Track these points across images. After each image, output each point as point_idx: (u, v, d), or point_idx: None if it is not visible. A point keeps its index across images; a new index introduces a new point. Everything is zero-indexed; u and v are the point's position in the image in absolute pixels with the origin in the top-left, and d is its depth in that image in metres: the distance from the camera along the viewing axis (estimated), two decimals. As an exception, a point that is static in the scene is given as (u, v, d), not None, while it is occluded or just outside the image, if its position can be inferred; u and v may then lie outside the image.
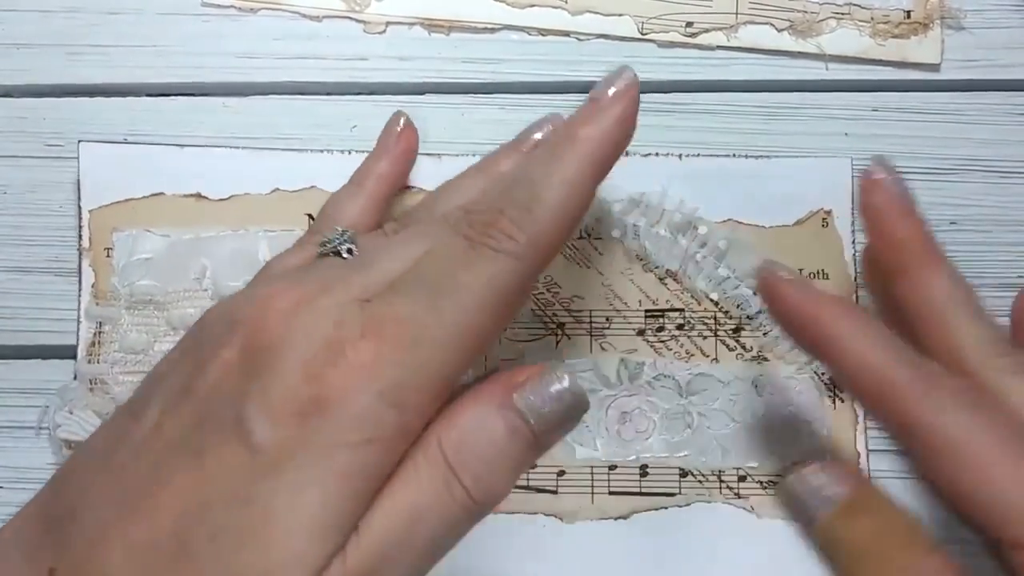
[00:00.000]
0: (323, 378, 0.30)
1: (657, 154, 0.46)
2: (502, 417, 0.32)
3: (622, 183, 0.45)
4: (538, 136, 0.42)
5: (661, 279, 0.45)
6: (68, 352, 0.45)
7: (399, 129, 0.44)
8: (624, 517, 0.43)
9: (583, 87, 0.47)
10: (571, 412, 0.33)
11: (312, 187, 0.45)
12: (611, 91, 0.36)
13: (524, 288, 0.33)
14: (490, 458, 0.31)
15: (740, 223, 0.46)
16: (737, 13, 0.47)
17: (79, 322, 0.45)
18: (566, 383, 0.33)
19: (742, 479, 0.44)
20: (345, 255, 0.36)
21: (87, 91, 0.47)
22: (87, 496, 0.31)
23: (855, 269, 0.46)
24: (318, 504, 0.29)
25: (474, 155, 0.45)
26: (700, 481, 0.44)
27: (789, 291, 0.35)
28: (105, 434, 0.33)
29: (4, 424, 0.45)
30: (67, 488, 0.32)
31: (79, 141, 0.45)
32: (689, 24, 0.47)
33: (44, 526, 0.32)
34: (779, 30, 0.47)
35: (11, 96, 0.46)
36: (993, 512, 0.31)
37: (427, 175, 0.45)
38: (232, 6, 0.47)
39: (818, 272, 0.45)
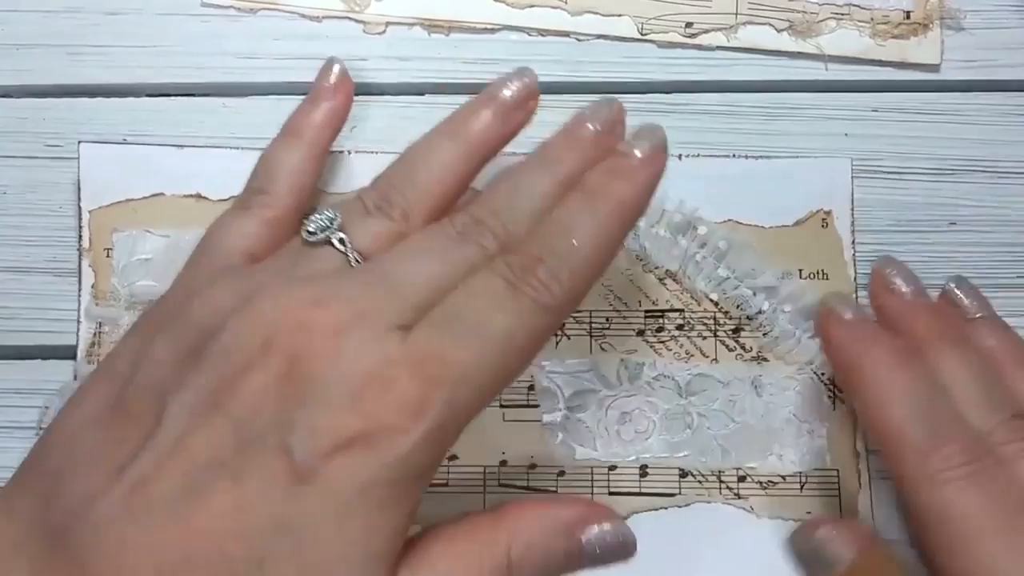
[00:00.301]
0: (372, 414, 0.30)
1: None
2: (566, 543, 0.34)
3: None
4: (507, 94, 0.39)
5: (661, 279, 0.45)
6: (68, 352, 0.45)
7: (334, 76, 0.43)
8: (624, 517, 0.43)
9: (583, 87, 0.47)
10: (618, 557, 0.35)
11: None
12: (642, 152, 0.36)
13: (550, 336, 0.35)
14: (542, 571, 0.34)
15: (740, 223, 0.46)
16: (737, 13, 0.47)
17: (79, 322, 0.45)
18: (628, 538, 0.35)
19: (742, 479, 0.44)
20: (338, 245, 0.35)
21: (87, 91, 0.47)
22: (97, 507, 0.30)
23: (855, 269, 0.46)
24: (362, 536, 0.30)
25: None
26: (700, 481, 0.44)
27: (839, 332, 0.40)
28: (98, 437, 0.33)
29: (4, 424, 0.45)
30: (65, 496, 0.32)
31: (79, 142, 0.45)
32: (689, 24, 0.47)
33: (47, 538, 0.31)
34: (779, 30, 0.47)
35: (11, 96, 0.47)
36: None
37: None
38: (232, 6, 0.47)
39: (818, 272, 0.45)
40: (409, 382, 0.31)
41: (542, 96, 0.47)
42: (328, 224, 0.35)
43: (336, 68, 0.43)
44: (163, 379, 0.32)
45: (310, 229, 0.35)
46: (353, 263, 0.35)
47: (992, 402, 0.38)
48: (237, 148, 0.46)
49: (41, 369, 0.45)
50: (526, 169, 0.37)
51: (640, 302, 0.45)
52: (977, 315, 0.42)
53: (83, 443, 0.33)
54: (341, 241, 0.35)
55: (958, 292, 0.43)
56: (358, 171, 0.45)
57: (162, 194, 0.45)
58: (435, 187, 0.37)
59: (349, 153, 0.45)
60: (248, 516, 0.30)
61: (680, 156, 0.46)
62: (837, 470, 0.44)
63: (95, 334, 0.44)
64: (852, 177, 0.46)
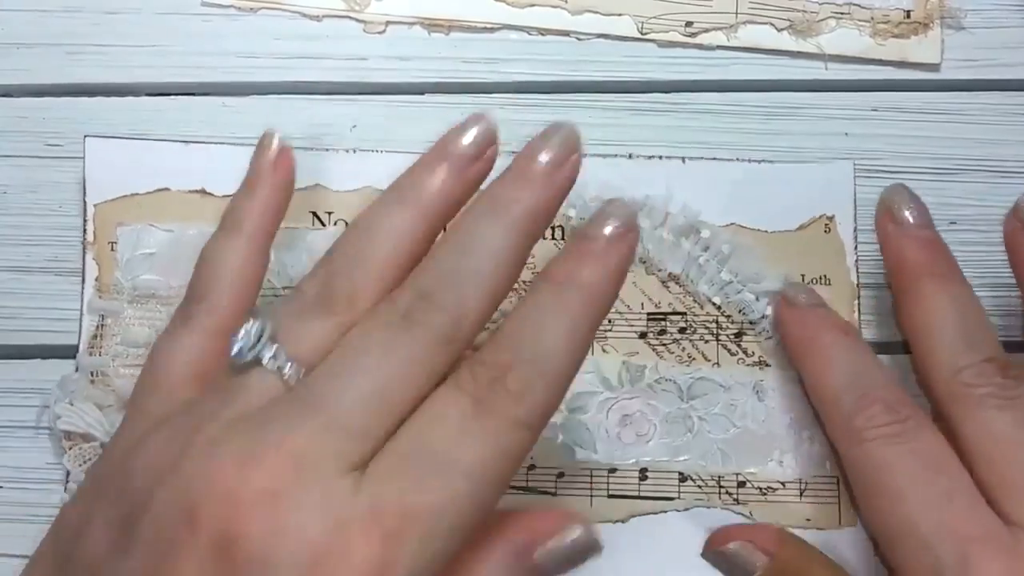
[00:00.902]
0: None
1: (661, 157, 0.46)
2: (525, 570, 0.31)
3: (626, 185, 0.45)
4: (463, 143, 0.34)
5: (664, 282, 0.45)
6: (68, 352, 0.45)
7: (273, 154, 0.38)
8: (623, 520, 0.43)
9: (583, 87, 0.47)
10: (581, 558, 0.32)
11: (316, 184, 0.45)
12: (608, 230, 0.32)
13: (528, 454, 0.31)
14: None
15: (743, 227, 0.46)
16: (737, 13, 0.47)
17: (82, 315, 0.45)
18: (586, 541, 0.31)
19: (741, 484, 0.44)
20: (269, 364, 0.30)
21: (87, 91, 0.46)
22: None
23: (857, 275, 0.46)
24: None
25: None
26: (699, 486, 0.44)
27: (791, 312, 0.42)
28: None
29: (4, 424, 0.45)
30: None
31: (84, 136, 0.45)
32: (689, 24, 0.47)
33: None
34: (779, 30, 0.47)
35: (11, 96, 0.46)
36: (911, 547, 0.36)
37: None
38: (232, 6, 0.47)
39: (820, 278, 0.45)
40: (367, 545, 0.27)
41: (541, 95, 0.47)
42: (256, 339, 0.30)
43: (275, 143, 0.38)
44: (97, 561, 0.29)
45: (234, 351, 0.30)
46: (291, 381, 0.30)
47: (969, 342, 0.38)
48: (242, 144, 0.46)
49: (41, 369, 0.45)
50: (474, 220, 0.32)
51: (643, 304, 0.45)
52: None
53: None
54: (274, 356, 0.30)
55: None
56: (358, 170, 0.46)
57: (167, 189, 0.45)
58: (385, 263, 0.32)
59: (354, 152, 0.46)
60: None
61: (683, 159, 0.46)
62: (837, 477, 0.44)
63: (98, 327, 0.44)
64: (854, 180, 0.46)
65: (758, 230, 0.46)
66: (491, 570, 0.30)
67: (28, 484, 0.44)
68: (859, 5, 0.47)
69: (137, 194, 0.45)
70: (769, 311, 0.44)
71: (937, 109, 0.47)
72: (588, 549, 0.31)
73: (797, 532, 0.43)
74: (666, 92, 0.47)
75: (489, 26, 0.47)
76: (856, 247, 0.46)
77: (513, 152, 0.34)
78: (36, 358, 0.45)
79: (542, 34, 0.47)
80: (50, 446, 0.44)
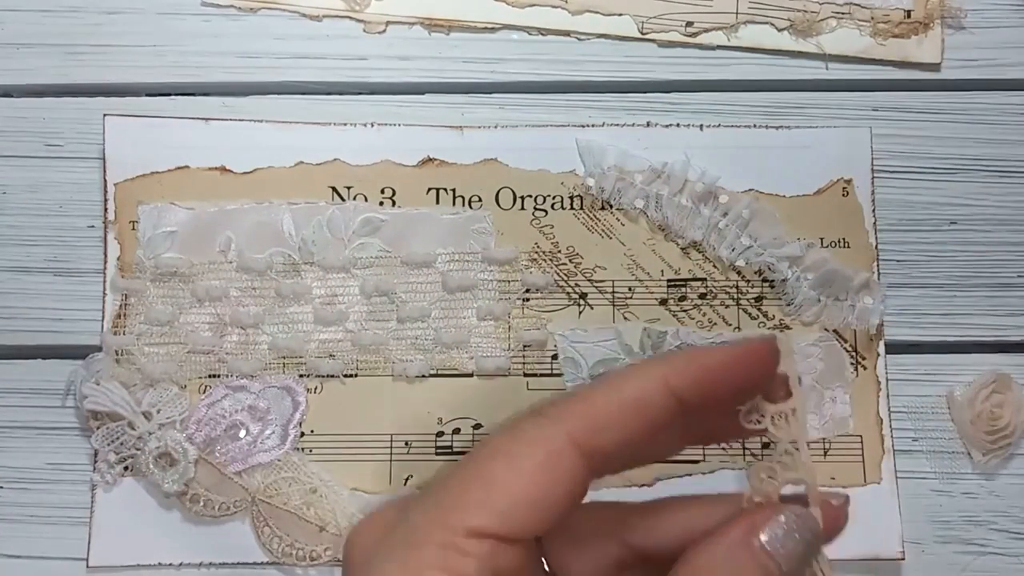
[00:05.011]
0: None
1: (679, 124, 0.46)
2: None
3: (644, 154, 0.45)
4: None
5: (684, 249, 0.45)
6: (68, 352, 0.45)
7: None
8: (648, 484, 0.43)
9: (583, 87, 0.47)
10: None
11: (335, 160, 0.46)
12: None
13: None
14: None
15: (761, 193, 0.46)
16: (737, 13, 0.47)
17: (104, 294, 0.45)
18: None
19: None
20: None
21: (87, 91, 0.46)
22: None
23: (875, 238, 0.46)
24: None
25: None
26: (724, 448, 0.44)
27: None
28: None
29: (4, 424, 0.45)
30: None
31: (104, 115, 0.45)
32: (689, 24, 0.47)
33: None
34: (779, 30, 0.47)
35: (11, 96, 0.46)
36: None
37: (449, 146, 0.46)
38: (232, 5, 0.47)
39: (839, 241, 0.46)
40: None
41: (541, 95, 0.47)
42: None
43: None
44: None
45: None
46: None
47: None
48: (261, 121, 0.46)
49: (41, 369, 0.45)
50: None
51: (662, 272, 0.45)
52: None
53: None
54: None
55: None
56: (375, 144, 0.46)
57: (187, 167, 0.45)
58: None
59: (372, 126, 0.46)
60: None
61: (701, 127, 0.46)
62: (860, 436, 0.44)
63: (121, 306, 0.45)
64: (871, 146, 0.46)
65: (776, 195, 0.46)
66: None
67: (28, 484, 0.44)
68: (859, 5, 0.47)
69: (157, 172, 0.45)
70: (790, 274, 0.44)
71: (937, 109, 0.47)
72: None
73: (822, 491, 0.42)
74: (666, 92, 0.47)
75: (489, 26, 0.47)
76: (874, 210, 0.46)
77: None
78: (36, 358, 0.45)
79: (542, 34, 0.47)
80: (49, 446, 0.44)
